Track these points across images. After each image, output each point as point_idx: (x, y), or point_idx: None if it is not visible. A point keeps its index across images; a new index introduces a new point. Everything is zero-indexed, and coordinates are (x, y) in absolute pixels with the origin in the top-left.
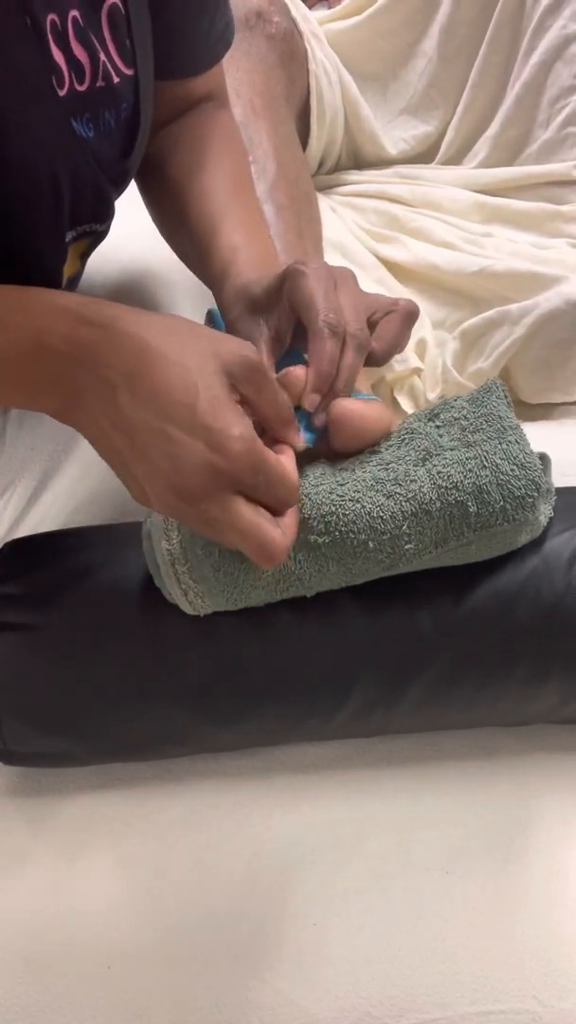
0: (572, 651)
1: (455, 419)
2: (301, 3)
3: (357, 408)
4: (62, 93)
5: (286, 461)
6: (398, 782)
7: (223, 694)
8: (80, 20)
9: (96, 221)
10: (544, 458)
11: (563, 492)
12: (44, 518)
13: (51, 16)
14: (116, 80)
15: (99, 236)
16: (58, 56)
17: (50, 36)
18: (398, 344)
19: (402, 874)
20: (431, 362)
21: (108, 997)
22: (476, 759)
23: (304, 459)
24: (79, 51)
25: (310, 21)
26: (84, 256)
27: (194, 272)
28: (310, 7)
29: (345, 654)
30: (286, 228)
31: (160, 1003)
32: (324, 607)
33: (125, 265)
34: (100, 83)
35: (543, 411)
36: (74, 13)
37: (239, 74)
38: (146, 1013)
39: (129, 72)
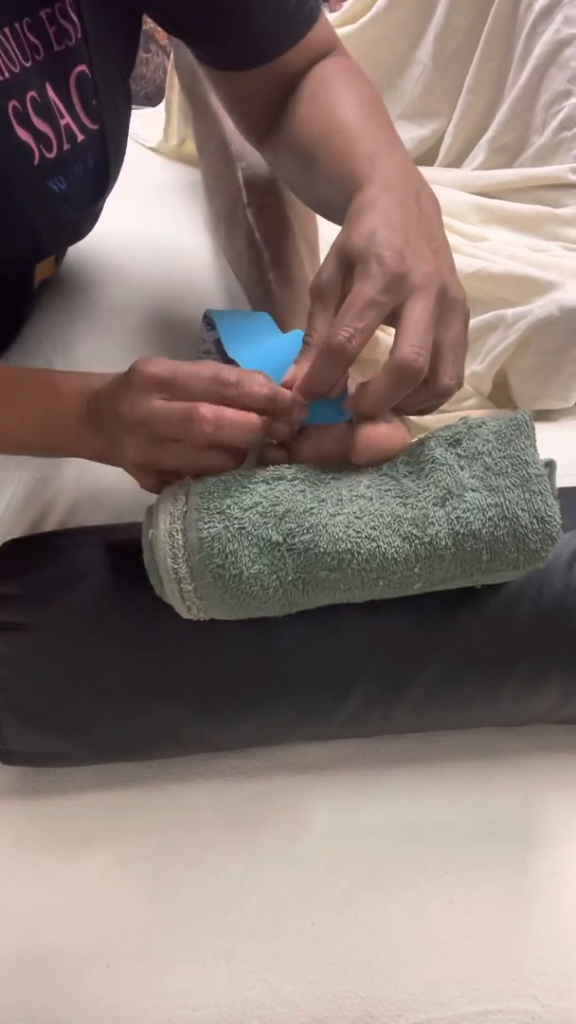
0: (572, 651)
1: (479, 453)
2: None
3: (384, 432)
4: (35, 164)
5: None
6: (398, 782)
7: (223, 694)
8: (39, 98)
9: (71, 243)
10: (550, 464)
11: (564, 492)
12: (43, 518)
13: (12, 103)
14: (81, 138)
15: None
16: (24, 135)
17: (14, 121)
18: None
19: (402, 874)
20: None
21: (108, 997)
22: (476, 759)
23: (318, 458)
24: (42, 125)
25: None
26: (58, 260)
27: (328, 215)
28: None
29: (345, 654)
30: (278, 231)
31: (160, 1003)
32: (324, 607)
33: (124, 273)
34: (67, 146)
35: (544, 411)
36: (32, 93)
37: None
38: (146, 1013)
39: (94, 127)
